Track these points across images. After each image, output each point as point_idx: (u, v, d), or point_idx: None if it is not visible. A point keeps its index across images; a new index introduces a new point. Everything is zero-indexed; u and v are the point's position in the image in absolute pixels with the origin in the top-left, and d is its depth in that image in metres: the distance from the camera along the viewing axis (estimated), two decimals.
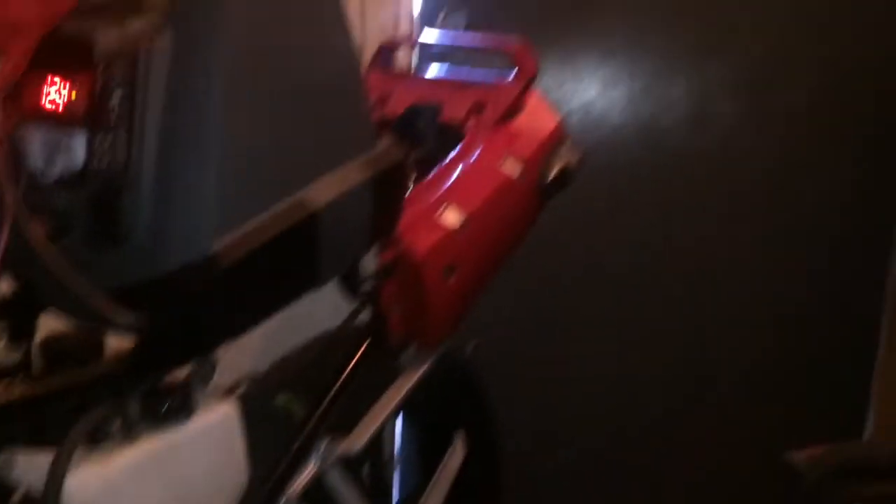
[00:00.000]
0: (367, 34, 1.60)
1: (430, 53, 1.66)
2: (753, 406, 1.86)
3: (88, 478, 0.64)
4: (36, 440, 0.66)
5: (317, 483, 0.91)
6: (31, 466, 0.63)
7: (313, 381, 1.01)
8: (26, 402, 0.65)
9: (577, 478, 1.88)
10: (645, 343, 1.85)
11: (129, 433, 0.69)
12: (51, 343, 0.73)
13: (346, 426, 0.98)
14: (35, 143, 0.69)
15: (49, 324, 0.76)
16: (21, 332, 0.72)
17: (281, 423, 0.99)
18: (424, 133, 1.19)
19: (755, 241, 1.82)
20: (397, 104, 1.18)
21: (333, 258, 0.81)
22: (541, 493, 1.86)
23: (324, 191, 0.77)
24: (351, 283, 0.96)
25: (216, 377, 0.84)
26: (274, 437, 0.91)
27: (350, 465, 0.96)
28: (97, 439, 0.67)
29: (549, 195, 1.16)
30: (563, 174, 1.15)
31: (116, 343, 0.74)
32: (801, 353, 1.85)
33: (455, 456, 1.10)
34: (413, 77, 1.33)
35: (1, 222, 0.62)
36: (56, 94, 0.68)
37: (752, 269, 1.83)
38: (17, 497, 0.63)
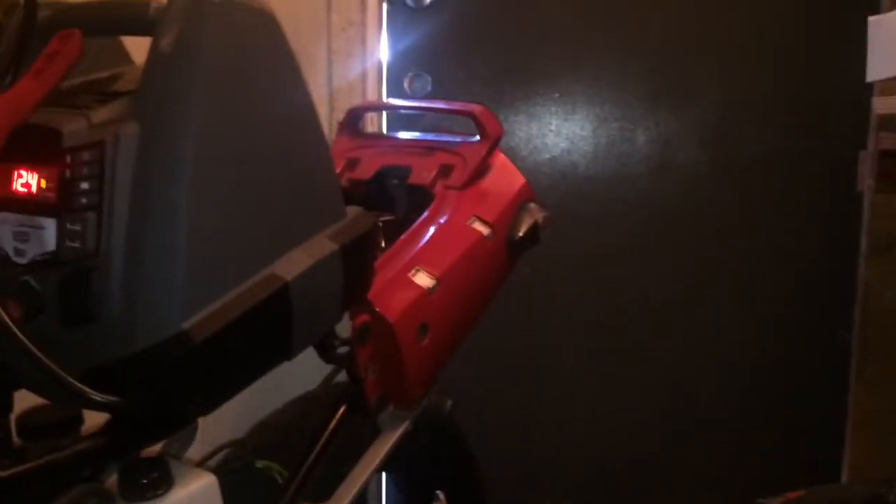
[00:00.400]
0: (334, 97, 1.64)
1: (397, 117, 1.70)
2: (733, 452, 1.88)
3: None
4: None
5: None
6: None
7: (292, 445, 1.02)
8: (5, 483, 0.66)
9: None
10: (621, 391, 1.88)
11: None
12: (27, 418, 0.75)
13: (327, 488, 0.99)
14: (6, 228, 0.71)
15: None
16: None
17: (262, 487, 1.00)
18: (394, 195, 1.22)
19: (721, 287, 1.86)
20: (367, 167, 1.21)
21: (306, 328, 0.82)
22: None
23: (294, 264, 0.79)
24: (326, 348, 0.98)
25: (195, 444, 0.85)
26: (256, 502, 0.92)
27: None
28: None
29: (520, 251, 1.19)
30: (533, 231, 1.19)
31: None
32: (777, 397, 1.87)
33: None
34: (382, 140, 1.36)
35: None
36: (26, 182, 0.71)
37: (722, 313, 1.87)
38: None
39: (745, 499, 1.33)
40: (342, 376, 1.11)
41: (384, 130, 1.70)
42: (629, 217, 1.82)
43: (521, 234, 1.18)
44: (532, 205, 1.22)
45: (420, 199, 1.16)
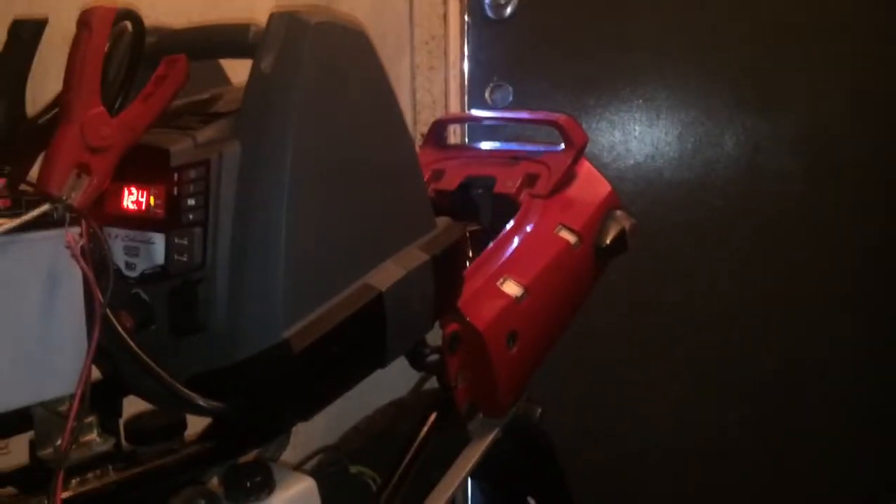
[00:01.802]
0: (418, 110, 1.67)
1: (479, 128, 1.72)
2: (834, 461, 1.82)
3: None
4: None
5: None
6: None
7: (383, 450, 1.04)
8: (119, 489, 0.69)
9: None
10: (711, 399, 1.84)
11: None
12: (134, 423, 0.79)
13: (417, 494, 1.01)
14: (118, 243, 0.75)
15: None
16: (109, 414, 0.77)
17: (357, 492, 1.02)
18: (479, 206, 1.23)
19: (814, 294, 1.81)
20: (452, 178, 1.23)
21: (399, 337, 0.84)
22: None
23: (387, 274, 0.82)
24: (417, 356, 1.00)
25: (288, 450, 0.88)
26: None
27: None
28: None
29: (607, 259, 1.19)
30: (620, 238, 1.19)
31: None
32: (875, 404, 1.81)
33: None
34: (466, 151, 1.38)
35: (91, 323, 0.67)
36: (136, 199, 0.75)
37: (814, 322, 1.82)
38: None
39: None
40: (432, 384, 1.14)
41: (467, 141, 1.72)
42: (717, 223, 1.79)
43: (608, 241, 1.18)
44: (619, 212, 1.21)
45: (505, 208, 1.17)
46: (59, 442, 0.67)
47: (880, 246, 1.77)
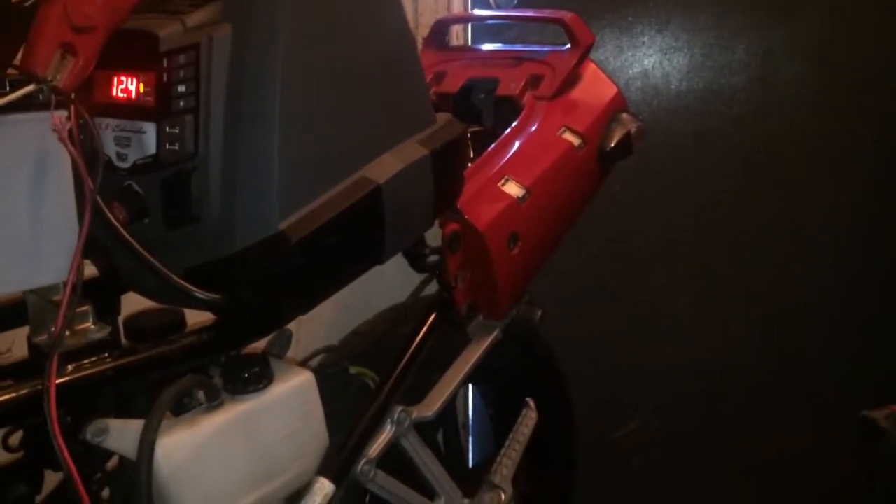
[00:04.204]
0: (420, 10, 1.62)
1: (483, 30, 1.67)
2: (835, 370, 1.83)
3: (177, 443, 0.68)
4: (124, 411, 0.71)
5: (393, 448, 0.94)
6: (122, 434, 0.68)
7: (383, 353, 1.04)
8: (116, 375, 0.69)
9: (648, 443, 1.88)
10: (712, 315, 1.84)
11: (213, 401, 0.73)
12: (133, 322, 0.78)
13: (417, 394, 1.01)
14: (108, 133, 0.73)
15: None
16: (106, 312, 0.77)
17: (355, 392, 1.03)
18: (481, 108, 1.21)
19: (819, 206, 1.79)
20: (453, 80, 1.20)
21: (398, 232, 0.83)
22: (614, 458, 1.87)
23: (385, 167, 0.80)
24: (416, 256, 0.99)
25: (292, 350, 0.88)
26: (349, 406, 0.95)
27: (424, 430, 0.99)
28: (182, 408, 0.72)
29: (611, 163, 1.16)
30: (625, 141, 1.16)
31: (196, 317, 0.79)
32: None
33: (527, 422, 1.11)
34: (468, 53, 1.34)
35: (82, 212, 0.66)
36: (125, 87, 0.72)
37: (821, 239, 1.80)
38: (111, 463, 0.68)
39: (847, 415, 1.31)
40: (430, 290, 1.13)
41: (470, 43, 1.67)
42: (726, 132, 1.75)
43: (612, 144, 1.15)
44: (624, 115, 1.19)
45: (508, 110, 1.15)
46: (53, 329, 0.66)
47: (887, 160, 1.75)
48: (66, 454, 0.60)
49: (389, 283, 1.16)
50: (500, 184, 1.02)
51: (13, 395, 0.64)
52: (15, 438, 0.75)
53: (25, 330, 0.73)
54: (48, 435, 0.71)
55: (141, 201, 0.73)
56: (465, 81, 1.19)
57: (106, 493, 0.76)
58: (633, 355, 1.84)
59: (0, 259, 0.62)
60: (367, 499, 0.99)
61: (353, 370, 1.06)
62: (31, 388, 0.64)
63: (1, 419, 0.67)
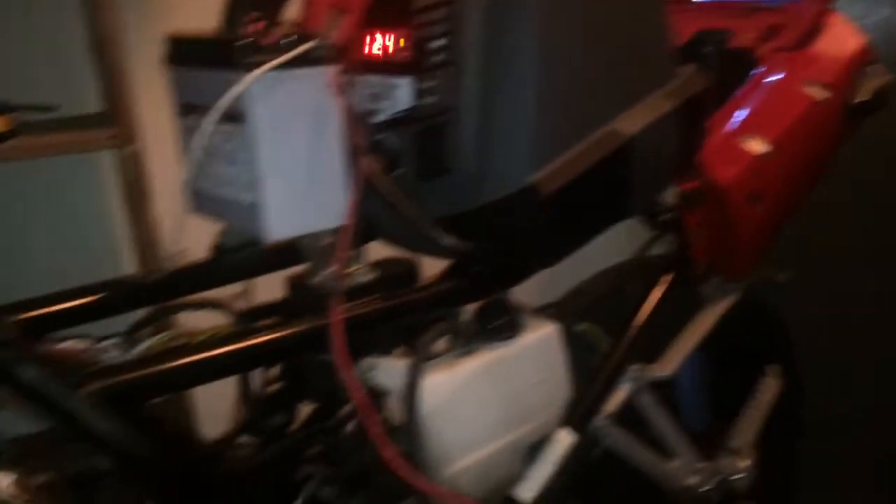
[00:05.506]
0: None
1: None
2: None
3: (439, 382, 0.72)
4: (387, 350, 0.75)
5: (627, 406, 0.93)
6: (390, 371, 0.72)
7: (608, 311, 1.03)
8: (382, 316, 0.73)
9: (875, 417, 1.74)
10: None
11: (465, 347, 0.75)
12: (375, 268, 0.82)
13: (647, 355, 1.00)
14: (363, 90, 0.77)
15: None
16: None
17: (580, 350, 1.03)
18: (712, 60, 1.16)
19: None
20: (682, 31, 1.16)
21: (643, 187, 0.82)
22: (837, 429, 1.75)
23: (634, 120, 0.79)
24: (652, 213, 0.97)
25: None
26: (576, 362, 0.95)
27: (658, 390, 0.98)
28: (439, 351, 0.75)
29: (859, 118, 1.09)
30: (875, 96, 1.08)
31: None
32: None
33: (767, 389, 1.07)
34: (698, 4, 1.29)
35: (350, 162, 0.69)
36: (381, 45, 0.76)
37: None
38: (386, 398, 0.72)
39: None
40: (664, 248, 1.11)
41: None
42: None
43: (860, 98, 1.08)
44: (873, 67, 1.10)
45: (741, 64, 1.09)
46: (327, 270, 0.71)
47: None
48: (355, 385, 0.64)
49: (608, 242, 1.14)
50: (741, 140, 0.99)
51: (294, 330, 0.69)
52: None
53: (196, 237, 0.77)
54: (304, 370, 0.76)
55: (392, 155, 0.76)
56: (694, 33, 1.15)
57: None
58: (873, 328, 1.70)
59: (284, 204, 0.67)
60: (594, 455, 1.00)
61: (579, 327, 1.05)
62: (310, 326, 0.69)
63: (280, 354, 0.73)
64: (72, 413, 0.57)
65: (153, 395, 0.64)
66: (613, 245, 1.11)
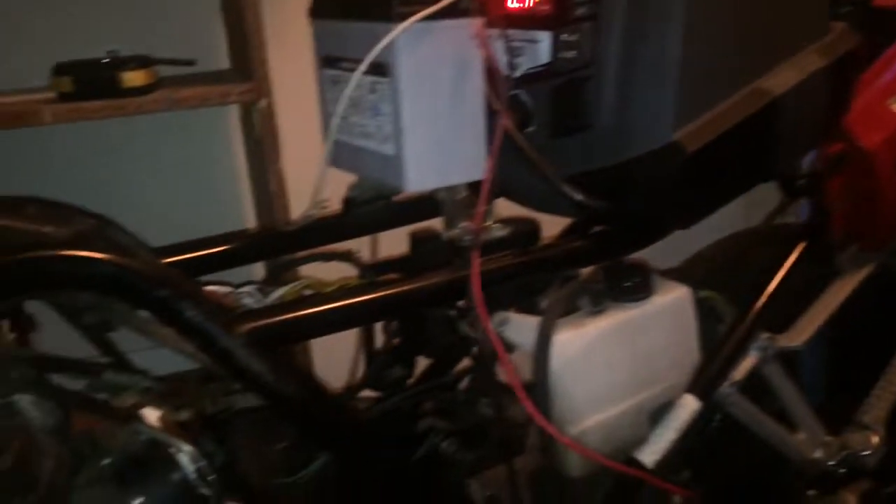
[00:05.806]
0: None
1: None
2: None
3: (570, 339, 0.71)
4: (519, 306, 0.76)
5: (753, 376, 0.91)
6: (521, 327, 0.72)
7: (731, 279, 1.00)
8: (514, 271, 0.73)
9: None
10: None
11: (597, 306, 0.75)
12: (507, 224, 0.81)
13: (776, 325, 0.97)
14: (500, 44, 0.76)
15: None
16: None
17: (703, 318, 1.00)
18: (853, 18, 1.10)
19: None
20: None
21: (787, 149, 0.79)
22: None
23: (782, 79, 0.76)
24: (789, 178, 0.93)
25: None
26: (701, 328, 0.93)
27: (786, 361, 0.95)
28: (571, 309, 0.74)
29: None
30: None
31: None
32: None
33: None
34: None
35: (490, 115, 0.69)
36: None
37: None
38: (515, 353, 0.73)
39: None
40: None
41: None
42: None
43: None
44: None
45: (884, 23, 1.03)
46: (463, 224, 0.71)
47: None
48: (494, 337, 0.65)
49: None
50: (889, 102, 0.94)
51: (429, 282, 0.69)
52: None
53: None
54: (423, 324, 0.76)
55: (527, 110, 0.76)
56: None
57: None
58: None
59: (424, 156, 0.67)
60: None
61: (701, 293, 1.03)
62: (445, 278, 0.69)
63: (414, 306, 0.73)
64: (227, 351, 0.59)
65: (296, 339, 0.66)
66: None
